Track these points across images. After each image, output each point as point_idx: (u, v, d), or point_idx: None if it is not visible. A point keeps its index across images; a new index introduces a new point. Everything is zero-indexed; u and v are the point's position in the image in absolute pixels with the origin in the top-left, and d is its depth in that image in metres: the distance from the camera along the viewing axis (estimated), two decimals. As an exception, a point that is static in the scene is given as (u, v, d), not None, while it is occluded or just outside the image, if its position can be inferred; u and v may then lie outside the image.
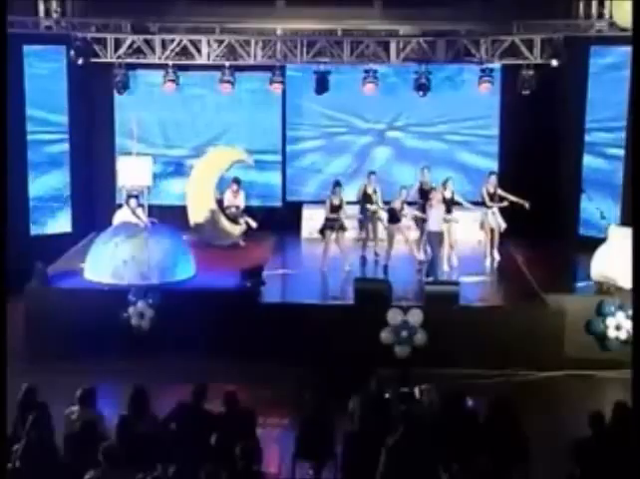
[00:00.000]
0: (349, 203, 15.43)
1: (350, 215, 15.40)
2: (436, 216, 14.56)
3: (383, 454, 7.54)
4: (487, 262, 15.51)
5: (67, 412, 8.61)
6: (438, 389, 9.62)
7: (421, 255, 15.35)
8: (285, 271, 15.31)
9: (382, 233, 15.75)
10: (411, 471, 7.46)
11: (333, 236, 15.06)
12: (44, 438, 7.91)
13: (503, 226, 15.40)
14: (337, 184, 15.19)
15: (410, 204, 15.35)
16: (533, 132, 16.72)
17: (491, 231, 15.46)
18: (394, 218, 15.10)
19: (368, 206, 15.60)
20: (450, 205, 15.14)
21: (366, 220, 15.77)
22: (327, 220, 15.07)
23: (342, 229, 15.14)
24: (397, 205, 15.06)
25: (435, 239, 14.61)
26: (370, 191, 15.57)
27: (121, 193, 16.78)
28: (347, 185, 16.01)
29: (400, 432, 7.61)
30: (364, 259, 15.67)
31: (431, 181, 15.72)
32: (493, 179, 15.47)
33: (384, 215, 15.53)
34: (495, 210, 15.35)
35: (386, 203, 15.52)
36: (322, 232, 15.18)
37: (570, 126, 16.68)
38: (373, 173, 15.87)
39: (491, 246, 15.56)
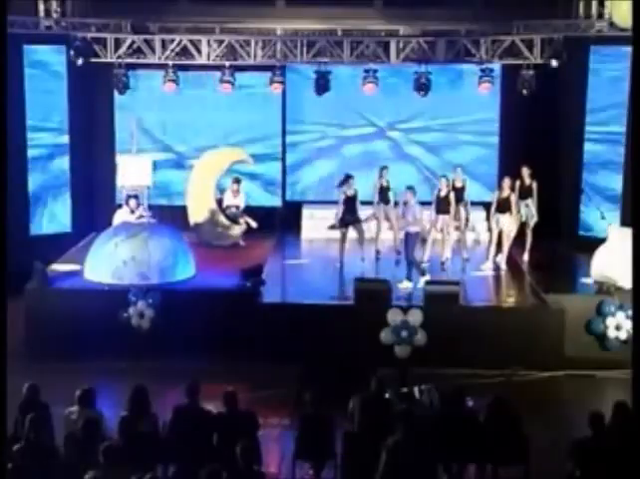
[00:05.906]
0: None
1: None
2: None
3: (383, 454, 7.54)
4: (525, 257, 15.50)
5: (67, 412, 8.61)
6: (438, 389, 9.63)
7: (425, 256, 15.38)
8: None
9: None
10: (411, 471, 7.46)
11: (350, 230, 15.06)
12: (44, 438, 7.91)
13: (535, 218, 15.25)
14: (349, 176, 15.25)
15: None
16: (533, 132, 16.71)
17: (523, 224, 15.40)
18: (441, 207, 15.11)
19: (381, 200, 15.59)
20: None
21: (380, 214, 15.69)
22: (344, 213, 15.03)
23: (357, 221, 15.14)
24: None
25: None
26: (385, 184, 15.61)
27: (121, 193, 16.79)
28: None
29: (400, 432, 7.61)
30: (378, 253, 15.64)
31: (463, 179, 15.76)
32: (526, 170, 15.22)
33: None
34: (529, 201, 15.20)
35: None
36: (341, 225, 15.08)
37: (570, 126, 16.69)
38: (385, 167, 15.87)
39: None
